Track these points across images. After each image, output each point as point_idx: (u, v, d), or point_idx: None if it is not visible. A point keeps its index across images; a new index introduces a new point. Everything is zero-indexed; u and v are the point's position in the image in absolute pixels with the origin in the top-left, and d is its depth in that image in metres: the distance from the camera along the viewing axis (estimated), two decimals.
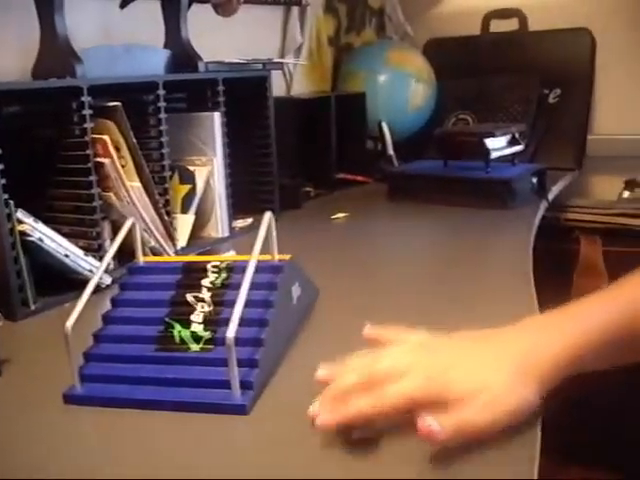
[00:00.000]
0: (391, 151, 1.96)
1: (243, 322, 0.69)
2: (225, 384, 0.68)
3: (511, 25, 2.21)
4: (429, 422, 0.55)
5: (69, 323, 0.69)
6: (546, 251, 1.39)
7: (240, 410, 0.67)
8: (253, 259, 0.73)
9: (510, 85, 2.08)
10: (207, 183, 1.31)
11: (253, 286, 0.73)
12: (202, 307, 0.77)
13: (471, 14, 2.27)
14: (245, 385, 0.68)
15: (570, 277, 1.91)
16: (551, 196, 1.63)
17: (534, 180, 1.57)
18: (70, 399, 0.71)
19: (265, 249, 0.78)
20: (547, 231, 1.51)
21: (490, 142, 1.53)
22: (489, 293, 0.98)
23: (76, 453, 0.62)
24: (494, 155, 1.53)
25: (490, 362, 0.61)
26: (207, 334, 0.74)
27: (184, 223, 1.26)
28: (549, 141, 2.00)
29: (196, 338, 0.74)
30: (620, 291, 0.68)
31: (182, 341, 0.74)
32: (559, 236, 1.92)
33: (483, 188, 1.50)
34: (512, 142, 1.60)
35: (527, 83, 2.07)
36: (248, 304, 0.71)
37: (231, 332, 0.65)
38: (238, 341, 0.67)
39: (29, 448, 0.63)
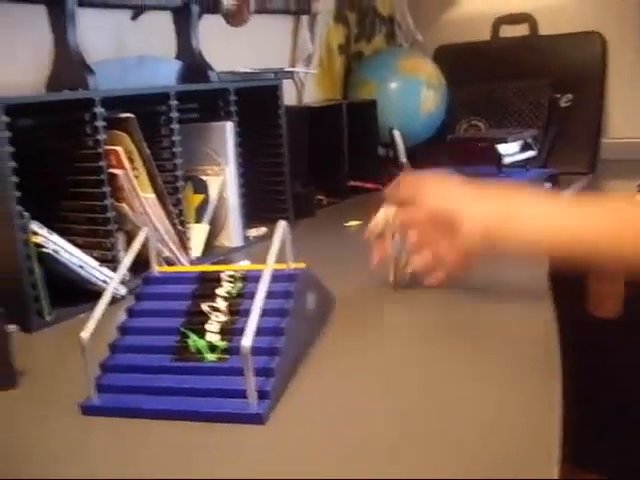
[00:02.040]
0: (403, 158, 1.95)
1: (259, 331, 0.69)
2: (241, 393, 0.67)
3: (521, 30, 2.20)
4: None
5: (85, 334, 0.69)
6: None
7: (257, 419, 0.66)
8: (268, 268, 0.73)
9: (521, 90, 2.08)
10: (220, 193, 1.31)
11: (269, 295, 0.73)
12: (217, 317, 0.77)
13: (481, 20, 2.26)
14: (261, 394, 0.68)
15: (586, 282, 1.90)
16: None
17: (547, 185, 1.56)
18: (87, 410, 0.71)
19: (280, 258, 0.78)
20: None
21: (502, 148, 1.53)
22: (505, 300, 0.97)
23: (92, 463, 0.63)
24: (507, 161, 1.53)
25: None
26: (223, 344, 0.74)
27: (198, 233, 1.26)
28: (561, 145, 2.00)
29: (212, 348, 0.74)
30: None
31: (198, 351, 0.74)
32: None
33: None
34: (524, 147, 1.60)
35: (538, 88, 2.07)
36: (264, 313, 0.71)
37: (247, 341, 0.65)
38: (254, 350, 0.67)
39: (45, 458, 0.64)
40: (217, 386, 0.70)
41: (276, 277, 0.77)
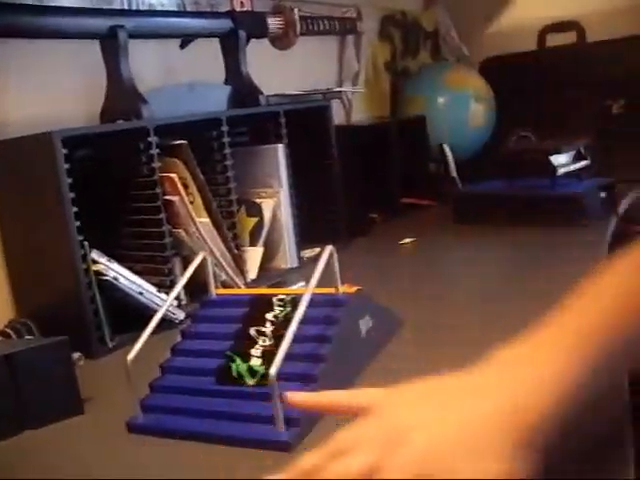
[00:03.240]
0: (454, 173, 1.94)
1: (295, 357, 0.69)
2: (273, 420, 0.67)
3: (569, 38, 2.17)
4: None
5: (130, 356, 0.72)
6: None
7: (284, 446, 0.66)
8: (308, 293, 0.73)
9: (571, 99, 2.05)
10: (274, 215, 1.32)
11: (310, 320, 0.73)
12: (264, 341, 0.77)
13: (526, 29, 2.24)
14: (290, 422, 0.67)
15: None
16: (621, 210, 1.60)
17: (603, 194, 1.53)
18: (132, 428, 0.74)
19: (333, 281, 0.78)
20: (620, 247, 1.48)
21: (556, 159, 1.51)
22: None
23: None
24: (561, 171, 1.50)
25: (480, 440, 0.48)
26: (262, 369, 0.73)
27: (253, 255, 1.27)
28: (616, 153, 1.96)
29: (252, 372, 0.74)
30: (602, 287, 0.59)
31: (239, 375, 0.74)
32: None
33: (552, 206, 1.47)
34: (577, 157, 1.57)
35: (589, 96, 2.04)
36: (303, 339, 0.71)
37: (274, 367, 0.65)
38: (287, 376, 0.67)
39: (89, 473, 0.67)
40: (251, 411, 0.70)
41: (321, 302, 0.78)
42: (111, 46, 1.13)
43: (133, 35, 1.15)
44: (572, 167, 1.55)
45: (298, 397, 0.59)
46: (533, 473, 0.47)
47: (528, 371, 0.52)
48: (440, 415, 0.50)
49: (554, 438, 0.49)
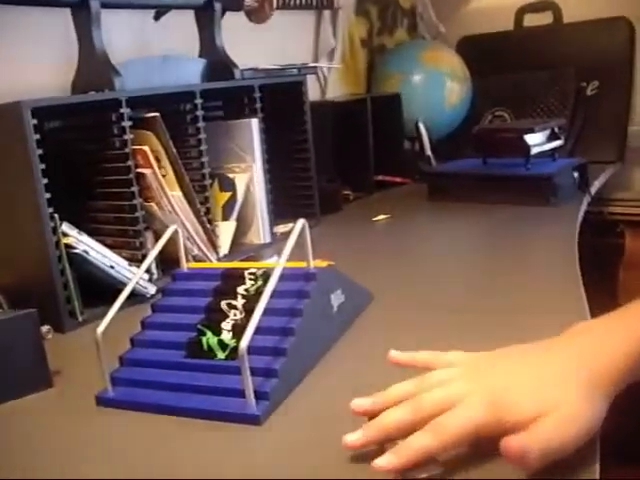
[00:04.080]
0: (429, 151, 1.95)
1: (266, 331, 0.69)
2: (243, 393, 0.67)
3: (545, 18, 2.18)
4: (519, 441, 0.49)
5: (100, 329, 0.71)
6: (590, 246, 1.37)
7: (253, 420, 0.66)
8: (279, 267, 0.72)
9: (546, 79, 2.06)
10: (247, 190, 1.31)
11: (281, 294, 0.72)
12: (235, 315, 0.77)
13: (504, 9, 2.24)
14: (260, 395, 0.67)
15: (616, 272, 1.89)
16: (593, 190, 1.61)
17: (575, 175, 1.55)
18: (101, 401, 0.74)
19: (305, 256, 0.78)
20: (591, 226, 1.49)
21: (530, 138, 1.51)
22: (537, 294, 0.96)
23: (91, 453, 0.65)
24: (534, 151, 1.51)
25: (551, 377, 0.55)
26: (233, 342, 0.73)
27: (226, 230, 1.27)
28: (589, 134, 1.98)
29: (223, 346, 0.74)
30: None
31: (209, 349, 0.74)
32: (603, 231, 1.90)
33: (524, 185, 1.48)
34: (552, 137, 1.58)
35: (564, 76, 2.05)
36: (274, 312, 0.71)
37: (244, 341, 0.64)
38: (258, 350, 0.67)
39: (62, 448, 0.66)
40: (221, 385, 0.70)
41: (293, 276, 0.77)
42: (83, 16, 1.11)
43: (105, 5, 1.13)
44: (546, 147, 1.56)
45: (400, 356, 0.66)
46: (601, 417, 0.53)
47: (597, 334, 0.60)
48: (515, 368, 0.58)
49: (621, 390, 0.56)
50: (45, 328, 0.81)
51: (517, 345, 0.61)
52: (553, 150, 1.57)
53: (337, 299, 0.85)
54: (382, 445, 0.56)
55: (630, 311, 0.62)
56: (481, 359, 0.62)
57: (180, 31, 1.38)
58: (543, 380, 0.55)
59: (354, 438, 0.56)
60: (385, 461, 0.53)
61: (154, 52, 1.35)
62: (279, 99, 1.41)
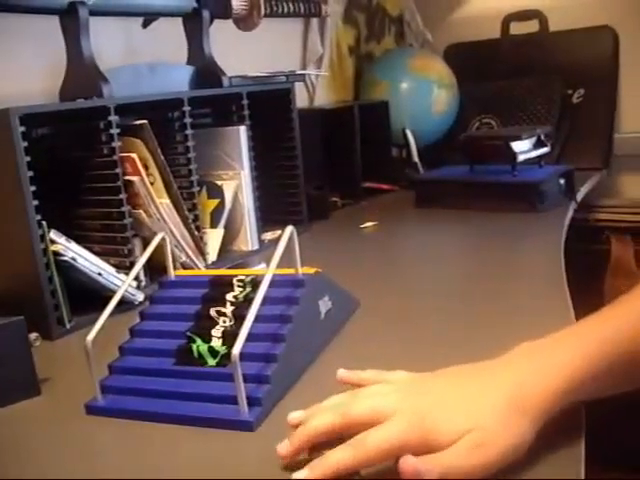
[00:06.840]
0: (416, 158, 1.95)
1: (257, 337, 0.69)
2: (235, 400, 0.67)
3: (531, 27, 2.19)
4: (413, 463, 0.50)
5: (90, 337, 0.71)
6: (576, 253, 1.38)
7: (246, 426, 0.66)
8: (269, 273, 0.72)
9: (533, 87, 2.07)
10: (235, 197, 1.32)
11: (271, 301, 0.73)
12: (224, 322, 0.77)
13: (490, 17, 2.26)
14: (253, 401, 0.68)
15: (602, 278, 1.90)
16: (579, 197, 1.62)
17: (562, 182, 1.56)
18: (91, 410, 0.73)
19: (294, 263, 0.78)
20: (577, 233, 1.50)
21: (516, 145, 1.52)
22: (523, 300, 0.97)
23: (83, 461, 0.65)
24: (521, 158, 1.52)
25: (478, 399, 0.56)
26: (223, 349, 0.73)
27: (214, 237, 1.27)
28: (575, 142, 1.99)
29: (213, 353, 0.74)
30: (619, 310, 0.62)
31: (200, 355, 0.74)
32: (589, 237, 1.91)
33: (511, 192, 1.49)
34: (538, 144, 1.59)
35: (550, 84, 2.06)
36: (264, 319, 0.71)
37: (237, 348, 0.65)
38: (249, 356, 0.67)
39: (52, 456, 0.66)
40: (212, 391, 0.70)
41: (282, 282, 0.78)
42: (71, 22, 1.11)
43: (94, 12, 1.13)
44: (532, 154, 1.57)
45: (347, 375, 0.67)
46: (523, 442, 0.54)
47: (538, 357, 0.59)
48: (444, 389, 0.58)
49: (555, 415, 0.56)
50: (33, 335, 0.81)
51: (459, 365, 0.61)
52: (539, 157, 1.59)
53: (325, 306, 0.85)
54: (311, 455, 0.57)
55: (584, 327, 0.61)
56: (417, 378, 0.63)
57: (168, 38, 1.39)
58: (464, 402, 0.56)
59: (282, 447, 0.58)
60: (302, 474, 0.54)
61: (142, 59, 1.35)
62: (267, 106, 1.42)
